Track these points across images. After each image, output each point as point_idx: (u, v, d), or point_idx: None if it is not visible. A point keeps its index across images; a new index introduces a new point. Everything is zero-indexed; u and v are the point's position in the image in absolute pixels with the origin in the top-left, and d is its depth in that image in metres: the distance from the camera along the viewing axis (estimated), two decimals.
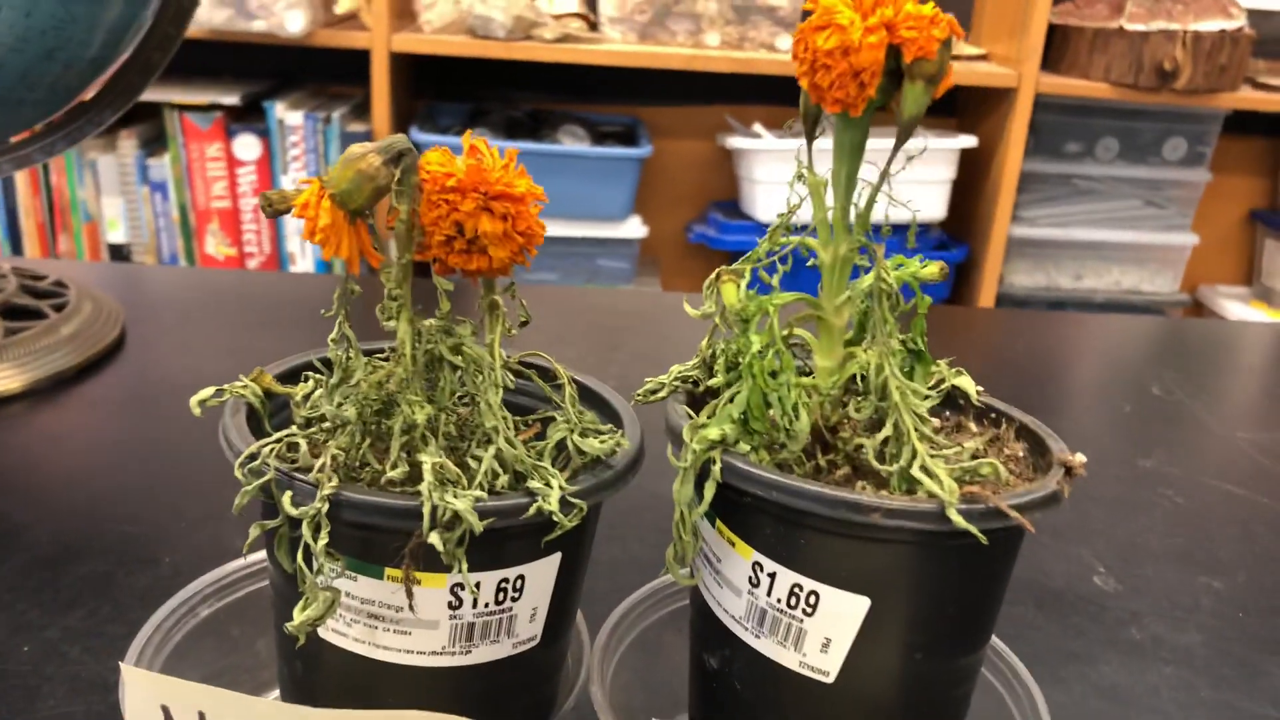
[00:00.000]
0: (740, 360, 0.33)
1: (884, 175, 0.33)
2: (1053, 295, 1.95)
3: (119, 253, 1.80)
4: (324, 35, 1.66)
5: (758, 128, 1.82)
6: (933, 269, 0.37)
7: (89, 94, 0.63)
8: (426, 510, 0.28)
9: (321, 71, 1.89)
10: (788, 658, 0.33)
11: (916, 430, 0.32)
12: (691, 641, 0.38)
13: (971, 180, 1.86)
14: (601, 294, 1.12)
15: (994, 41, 1.87)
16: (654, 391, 0.37)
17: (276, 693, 0.40)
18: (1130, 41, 1.74)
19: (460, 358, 0.32)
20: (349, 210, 0.29)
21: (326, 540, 0.29)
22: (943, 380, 0.39)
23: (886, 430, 0.33)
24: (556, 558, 0.32)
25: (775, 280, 0.34)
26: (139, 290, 0.87)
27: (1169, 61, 1.73)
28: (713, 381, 0.36)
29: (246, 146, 1.74)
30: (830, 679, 0.33)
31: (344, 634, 0.32)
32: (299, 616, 0.29)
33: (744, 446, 0.33)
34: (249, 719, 0.29)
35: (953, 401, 0.39)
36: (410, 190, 0.29)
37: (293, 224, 1.77)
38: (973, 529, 0.30)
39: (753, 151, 1.77)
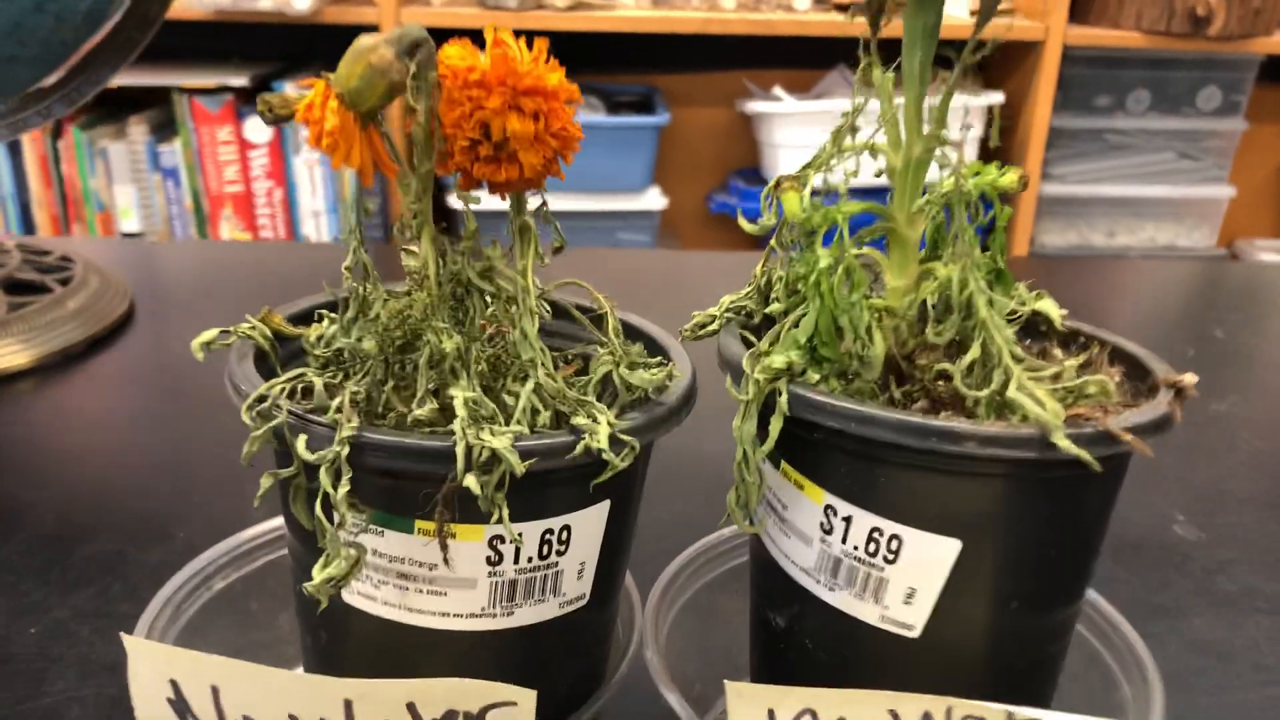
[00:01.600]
0: (804, 282, 0.30)
1: (964, 62, 0.29)
2: (1086, 253, 1.90)
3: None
4: (332, 12, 1.63)
5: (778, 91, 1.78)
6: (1011, 176, 0.33)
7: (85, 50, 0.60)
8: (460, 450, 0.25)
9: (330, 50, 1.85)
10: (866, 611, 0.30)
11: (1009, 349, 0.28)
12: (753, 599, 0.34)
13: (999, 137, 1.81)
14: (624, 255, 1.08)
15: None
16: (703, 326, 0.34)
17: (300, 669, 0.37)
18: None
19: (490, 284, 0.28)
20: (359, 112, 0.25)
21: (348, 488, 0.25)
22: (1021, 304, 0.35)
23: (973, 352, 0.29)
24: (605, 505, 0.29)
25: (843, 188, 0.30)
26: (147, 265, 0.84)
27: (1201, 6, 1.67)
28: (771, 308, 0.32)
29: (257, 129, 1.71)
30: (915, 633, 0.29)
31: (372, 597, 0.28)
32: (319, 575, 0.25)
33: (812, 375, 0.29)
34: (269, 692, 0.26)
35: (1032, 329, 0.35)
36: (428, 87, 0.25)
37: (307, 204, 1.74)
38: (1084, 455, 0.26)
39: (774, 115, 1.72)
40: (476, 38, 0.26)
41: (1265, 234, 2.08)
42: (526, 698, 0.26)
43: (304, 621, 0.32)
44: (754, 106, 1.75)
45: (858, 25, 0.31)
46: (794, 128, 1.71)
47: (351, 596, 0.29)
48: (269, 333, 0.30)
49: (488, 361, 0.29)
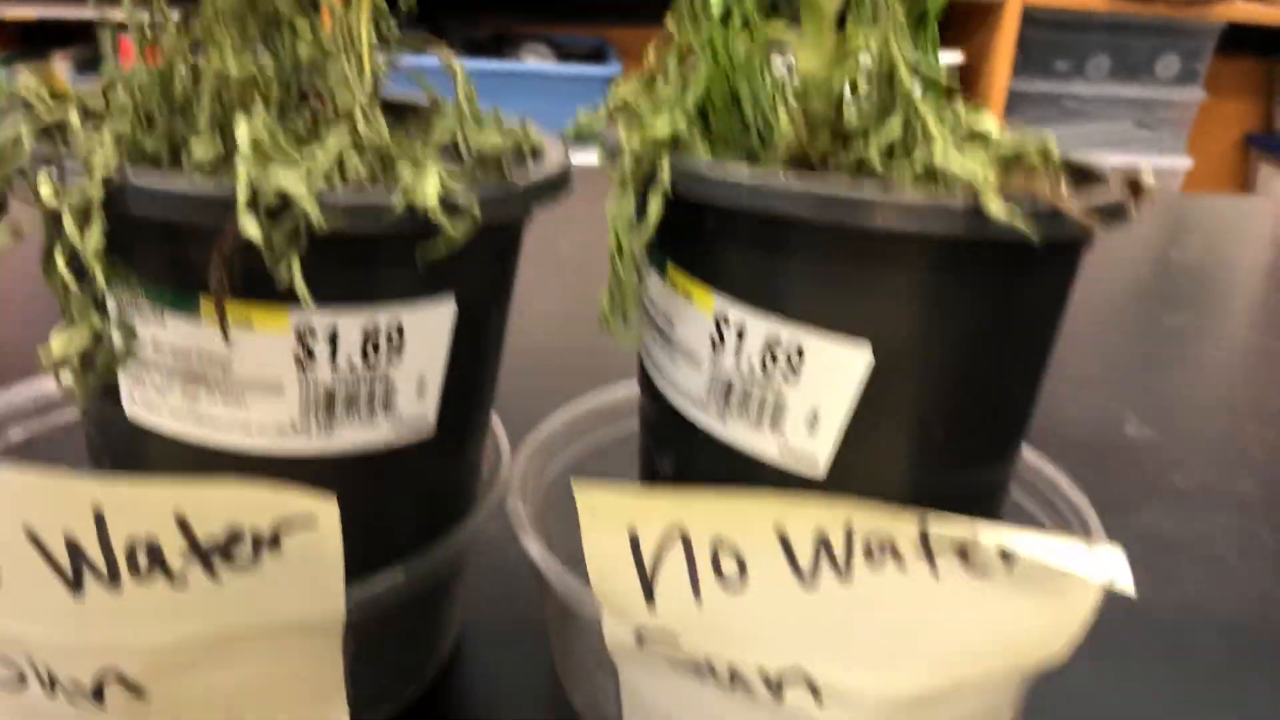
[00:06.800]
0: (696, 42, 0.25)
1: None
2: None
3: None
4: None
5: None
6: None
7: None
8: (242, 188, 0.19)
9: None
10: (764, 445, 0.25)
11: (937, 116, 0.24)
12: (640, 442, 0.30)
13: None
14: None
15: None
16: (591, 127, 0.29)
17: None
18: None
19: (306, 18, 0.23)
20: None
21: (100, 241, 0.20)
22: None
23: (893, 127, 0.24)
24: (449, 306, 0.24)
25: None
26: None
27: None
28: (661, 91, 0.27)
29: None
30: (819, 471, 0.25)
31: (156, 407, 0.23)
32: (56, 349, 0.20)
33: (702, 152, 0.24)
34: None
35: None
36: None
37: None
38: (1021, 225, 0.21)
39: None
40: None
41: None
42: (327, 514, 0.21)
43: (89, 448, 0.26)
44: None
45: None
46: None
47: (134, 407, 0.23)
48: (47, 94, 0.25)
49: (304, 120, 0.24)
